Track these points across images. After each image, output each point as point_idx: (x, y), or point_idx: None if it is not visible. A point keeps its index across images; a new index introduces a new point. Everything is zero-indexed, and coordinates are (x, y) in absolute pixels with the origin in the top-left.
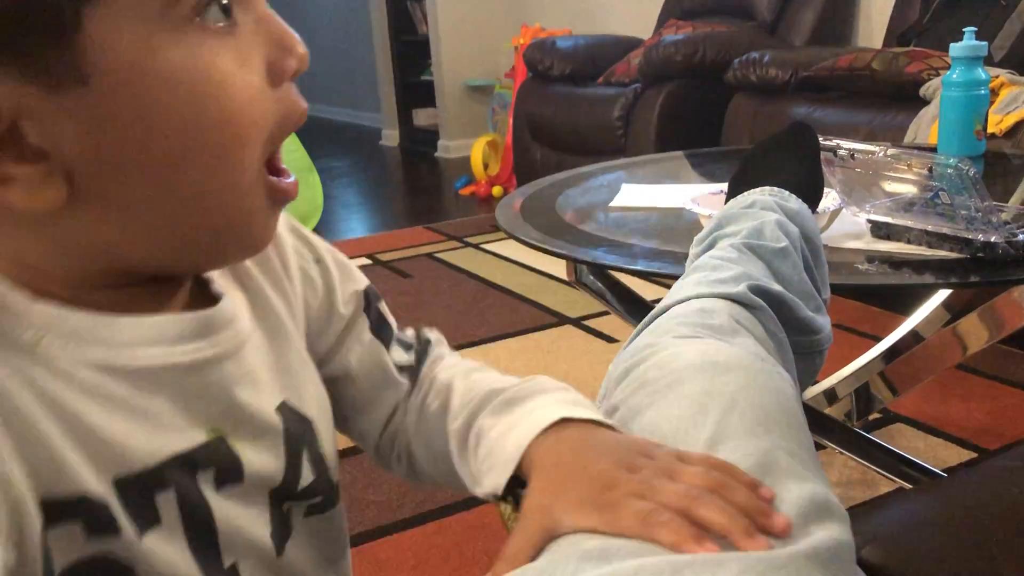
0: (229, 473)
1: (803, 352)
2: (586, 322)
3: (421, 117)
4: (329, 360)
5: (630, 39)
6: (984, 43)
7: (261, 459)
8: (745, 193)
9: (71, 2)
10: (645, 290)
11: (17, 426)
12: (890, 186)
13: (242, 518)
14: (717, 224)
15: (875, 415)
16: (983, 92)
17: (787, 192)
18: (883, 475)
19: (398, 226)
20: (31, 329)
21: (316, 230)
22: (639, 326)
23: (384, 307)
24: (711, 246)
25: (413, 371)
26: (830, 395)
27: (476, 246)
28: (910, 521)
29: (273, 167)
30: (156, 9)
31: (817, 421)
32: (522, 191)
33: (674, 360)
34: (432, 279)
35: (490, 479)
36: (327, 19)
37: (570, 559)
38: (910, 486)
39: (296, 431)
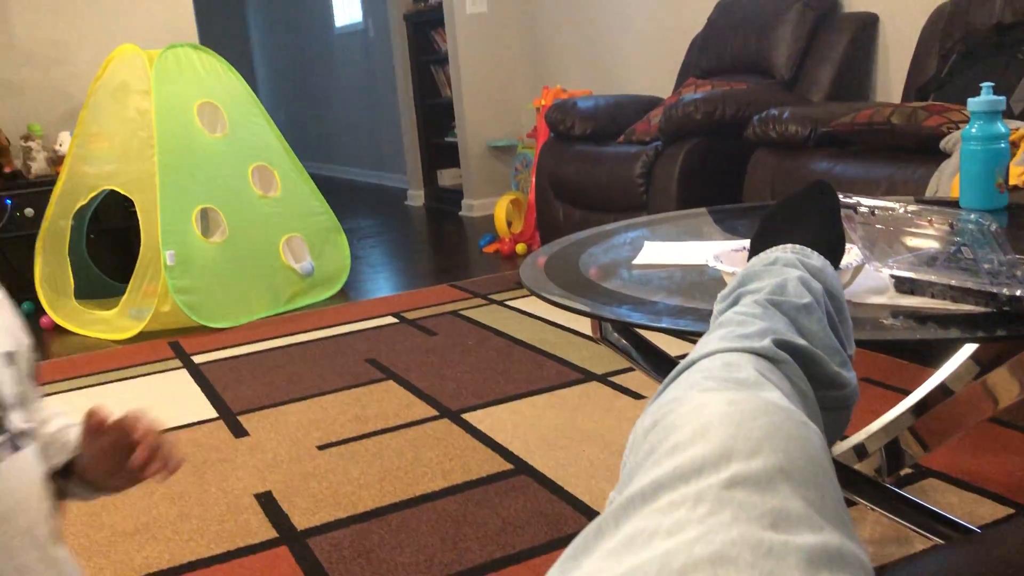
0: None
1: (829, 407)
2: (612, 378)
3: (445, 177)
4: None
5: (650, 98)
6: (1002, 97)
7: None
8: (767, 250)
9: None
10: (670, 346)
11: None
12: (912, 241)
13: None
14: (740, 281)
15: (906, 470)
16: (1003, 145)
17: (809, 249)
18: (916, 532)
19: (423, 284)
20: None
21: (343, 289)
22: (665, 381)
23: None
24: (735, 303)
25: None
26: (859, 450)
27: (501, 303)
28: None
29: None
30: None
31: (847, 477)
32: (546, 249)
33: (701, 410)
34: (457, 336)
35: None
36: (355, 86)
37: None
38: (944, 543)
39: None
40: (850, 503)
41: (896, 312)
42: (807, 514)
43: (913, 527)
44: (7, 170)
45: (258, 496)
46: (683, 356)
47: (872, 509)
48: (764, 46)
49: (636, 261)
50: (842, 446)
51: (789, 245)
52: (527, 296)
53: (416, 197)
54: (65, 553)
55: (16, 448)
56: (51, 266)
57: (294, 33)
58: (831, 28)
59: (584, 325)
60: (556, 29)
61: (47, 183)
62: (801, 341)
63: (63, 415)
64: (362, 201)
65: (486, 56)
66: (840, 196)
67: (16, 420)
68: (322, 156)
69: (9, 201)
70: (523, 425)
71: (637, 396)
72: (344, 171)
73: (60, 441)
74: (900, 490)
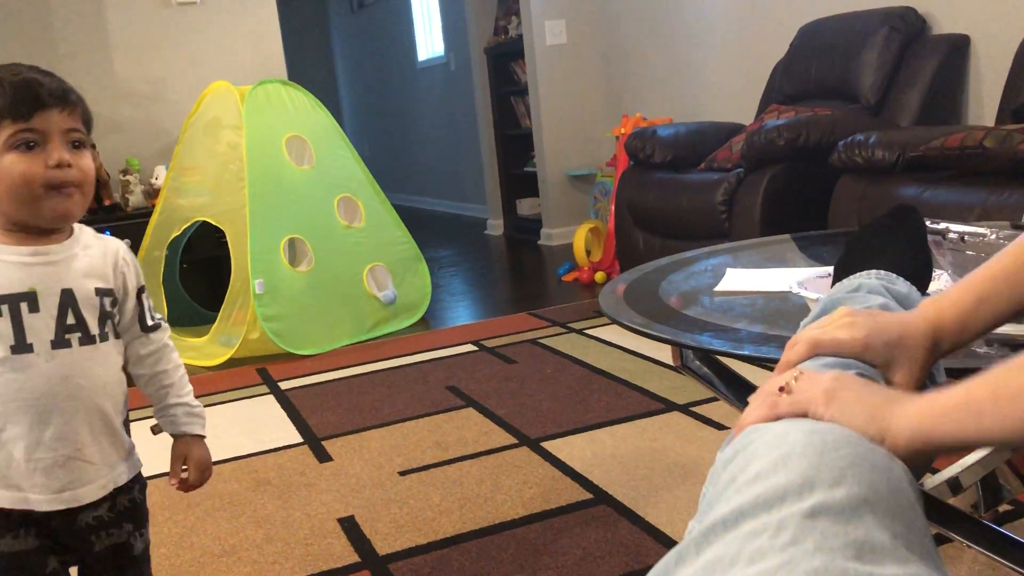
0: (33, 305)
1: None
2: (694, 408)
3: (525, 207)
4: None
5: (731, 125)
6: None
7: (46, 304)
8: (851, 277)
9: None
10: (753, 374)
11: None
12: None
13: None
14: (823, 308)
15: (1005, 507)
16: None
17: (894, 275)
18: (1017, 571)
19: (503, 313)
20: None
21: (424, 317)
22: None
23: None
24: None
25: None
26: (954, 485)
27: (580, 331)
28: None
29: (55, 189)
30: (2, 146)
31: (941, 512)
32: (625, 276)
33: (782, 439)
34: (536, 365)
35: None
36: (436, 118)
37: None
38: None
39: (76, 297)
40: (946, 539)
41: (990, 340)
42: (893, 546)
43: (1015, 567)
44: (107, 203)
45: (341, 520)
46: None
47: (969, 547)
48: (849, 70)
49: (718, 288)
50: (935, 479)
51: (874, 271)
52: (606, 325)
53: (496, 226)
54: (131, 441)
55: (93, 341)
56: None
57: (378, 68)
58: (919, 51)
59: (665, 354)
60: (635, 58)
61: (143, 215)
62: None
63: (172, 371)
64: (443, 230)
65: (565, 86)
66: (928, 222)
67: (94, 327)
68: (405, 187)
69: (108, 232)
70: (603, 454)
71: (720, 427)
72: (426, 201)
73: (158, 399)
74: (1000, 527)
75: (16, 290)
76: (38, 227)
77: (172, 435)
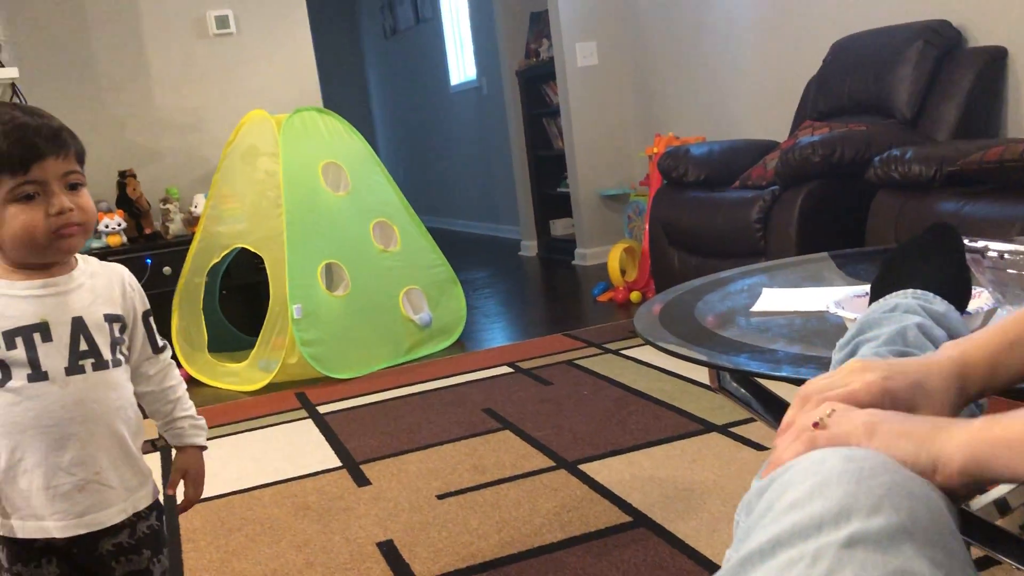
0: (46, 335)
1: None
2: (733, 429)
3: (558, 227)
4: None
5: (765, 142)
6: None
7: (58, 333)
8: (887, 296)
9: None
10: (791, 395)
11: None
12: None
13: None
14: (859, 329)
15: None
16: None
17: (931, 294)
18: None
19: (538, 334)
20: None
21: (460, 340)
22: None
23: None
24: (853, 352)
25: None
26: (1001, 505)
27: (615, 352)
28: None
29: (60, 233)
30: (4, 199)
31: (988, 533)
32: (660, 297)
33: (819, 466)
34: (573, 386)
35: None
36: (469, 141)
37: None
38: None
39: (87, 324)
40: (993, 561)
41: None
42: (931, 574)
43: None
44: (147, 231)
45: (380, 545)
46: None
47: (1018, 568)
48: (884, 85)
49: (754, 308)
50: (981, 500)
51: (910, 290)
52: (642, 345)
53: (529, 247)
54: (148, 467)
55: (106, 367)
56: (186, 321)
57: (412, 93)
58: (955, 64)
59: (702, 374)
60: (667, 77)
61: (183, 243)
62: None
63: (178, 386)
64: (477, 252)
65: (597, 107)
66: (967, 240)
67: (107, 353)
68: (439, 210)
69: (149, 260)
70: (641, 477)
71: (760, 447)
72: (460, 224)
73: (164, 413)
74: None
75: (29, 321)
76: (43, 263)
77: (176, 448)
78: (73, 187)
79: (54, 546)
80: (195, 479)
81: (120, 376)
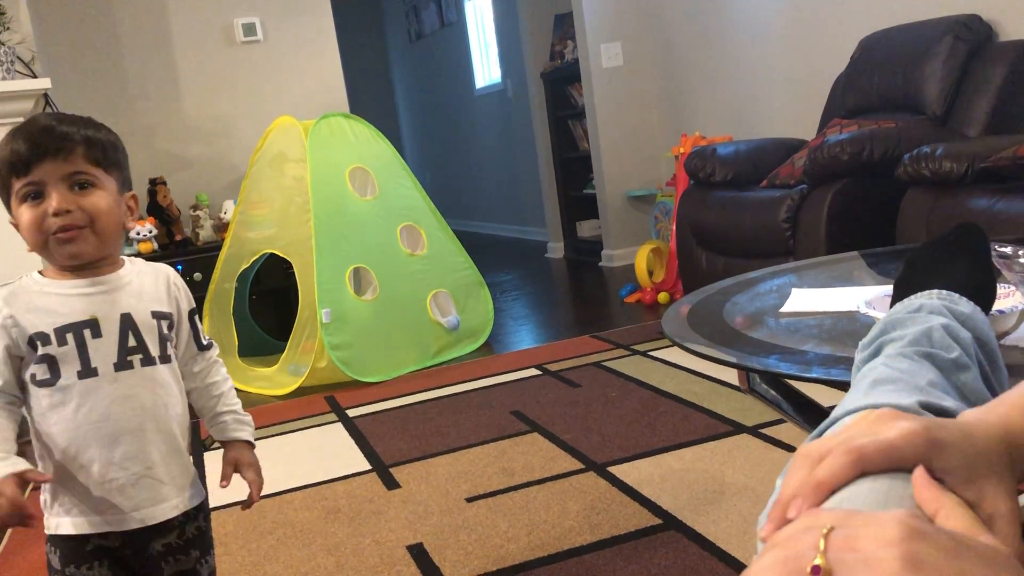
0: (96, 331)
1: None
2: (763, 430)
3: (585, 229)
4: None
5: (792, 141)
6: None
7: (107, 329)
8: (912, 296)
9: (6, 195)
10: (822, 396)
11: (23, 301)
12: None
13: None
14: (883, 329)
15: None
16: None
17: (957, 295)
18: None
19: (565, 336)
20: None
21: (487, 342)
22: (808, 438)
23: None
24: (877, 352)
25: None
26: None
27: (644, 354)
28: None
29: (55, 237)
30: (16, 199)
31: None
32: (689, 298)
33: None
34: (600, 388)
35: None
36: (495, 144)
37: None
38: None
39: (135, 321)
40: None
41: None
42: None
43: None
44: (178, 238)
45: (410, 548)
46: (836, 407)
47: None
48: (913, 82)
49: (783, 309)
50: None
51: (935, 291)
52: (671, 346)
53: (556, 249)
54: (192, 465)
55: (154, 363)
56: (217, 326)
57: (437, 97)
58: (986, 59)
59: (732, 375)
60: (693, 77)
61: (213, 248)
62: (948, 403)
63: (222, 382)
64: (504, 255)
65: (623, 107)
66: (995, 244)
67: (155, 349)
68: (465, 213)
69: (180, 267)
70: (671, 479)
71: (791, 448)
72: (486, 227)
73: (209, 409)
74: None
75: (79, 318)
76: (87, 263)
77: (222, 442)
78: (83, 187)
79: (106, 547)
80: (252, 468)
81: (168, 373)
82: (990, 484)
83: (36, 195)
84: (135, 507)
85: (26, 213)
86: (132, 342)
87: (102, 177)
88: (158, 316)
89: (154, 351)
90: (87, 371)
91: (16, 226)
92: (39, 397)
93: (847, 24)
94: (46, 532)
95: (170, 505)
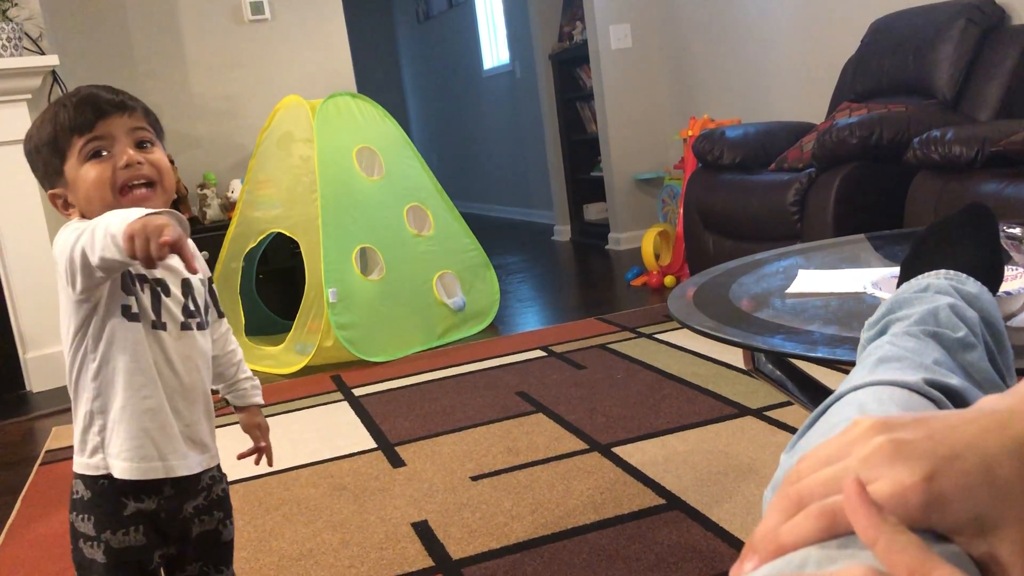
0: (166, 290)
1: None
2: (768, 413)
3: (592, 211)
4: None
5: (801, 124)
6: None
7: (174, 291)
8: (919, 276)
9: (60, 161)
10: (827, 376)
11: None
12: None
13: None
14: (889, 308)
15: None
16: None
17: (964, 275)
18: None
19: (571, 318)
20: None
21: (493, 324)
22: (812, 416)
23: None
24: (883, 331)
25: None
26: None
27: (649, 336)
28: None
29: (123, 194)
30: (78, 160)
31: None
32: (694, 280)
33: None
34: (606, 370)
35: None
36: (503, 126)
37: None
38: None
39: (193, 286)
40: None
41: None
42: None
43: None
44: (185, 216)
45: (415, 525)
46: (841, 384)
47: None
48: (923, 66)
49: (790, 290)
50: None
51: (942, 271)
52: (676, 329)
53: (563, 232)
54: (213, 429)
55: (204, 327)
56: (224, 305)
57: (445, 77)
58: (998, 42)
59: (737, 358)
60: (702, 59)
61: (220, 228)
62: (953, 381)
63: (237, 350)
64: (510, 237)
65: (631, 90)
66: (1004, 227)
67: (204, 314)
68: (472, 195)
69: None
70: (675, 460)
71: (795, 431)
72: (493, 208)
73: (228, 376)
74: None
75: (154, 276)
76: None
77: (239, 408)
78: (142, 145)
79: (143, 512)
80: (264, 429)
81: (208, 337)
82: (1007, 538)
83: (100, 152)
84: (185, 455)
85: (93, 170)
86: (192, 306)
87: (156, 139)
88: (206, 282)
89: (203, 316)
90: (158, 324)
91: (58, 199)
92: (125, 331)
93: (858, 7)
94: (84, 474)
95: (207, 457)
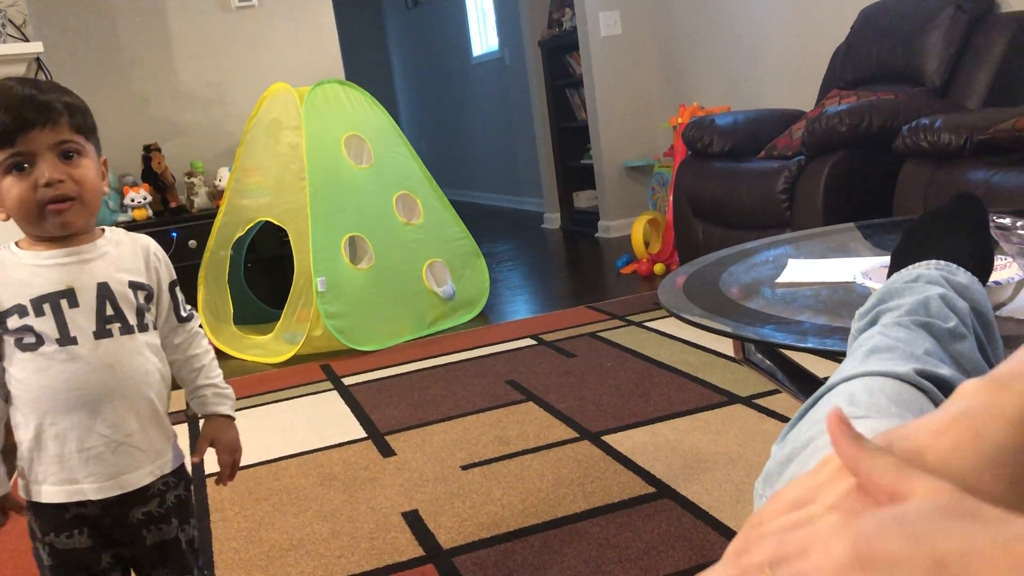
0: (72, 300)
1: None
2: (757, 401)
3: (581, 199)
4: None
5: (791, 112)
6: None
7: (84, 299)
8: (909, 267)
9: None
10: (817, 366)
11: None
12: None
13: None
14: (880, 298)
15: None
16: None
17: (954, 265)
18: None
19: (561, 306)
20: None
21: (483, 312)
22: (803, 407)
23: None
24: (873, 321)
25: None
26: None
27: (639, 324)
28: None
29: (48, 209)
30: (1, 170)
31: None
32: (685, 269)
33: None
34: (596, 358)
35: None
36: (492, 113)
37: None
38: None
39: (112, 290)
40: None
41: None
42: None
43: None
44: (172, 205)
45: (405, 514)
46: (832, 375)
47: None
48: (913, 53)
49: (780, 279)
50: None
51: (933, 261)
52: (666, 317)
53: (552, 220)
54: (174, 431)
55: (132, 331)
56: (212, 294)
57: (434, 64)
58: (987, 29)
59: (726, 346)
60: (691, 47)
61: (208, 216)
62: (944, 371)
63: (203, 355)
64: (500, 225)
65: (621, 77)
66: (993, 216)
67: (132, 318)
68: (461, 183)
69: (175, 234)
70: (665, 448)
71: (784, 419)
72: (482, 196)
73: (189, 381)
74: None
75: (55, 288)
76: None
77: (202, 416)
78: (68, 156)
79: (86, 516)
80: (227, 447)
81: (146, 341)
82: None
83: (21, 166)
84: (114, 474)
85: (14, 185)
86: (110, 311)
87: (84, 144)
88: (134, 287)
89: (132, 320)
90: (66, 339)
91: None
92: (23, 362)
93: None
94: (23, 499)
95: (146, 471)
